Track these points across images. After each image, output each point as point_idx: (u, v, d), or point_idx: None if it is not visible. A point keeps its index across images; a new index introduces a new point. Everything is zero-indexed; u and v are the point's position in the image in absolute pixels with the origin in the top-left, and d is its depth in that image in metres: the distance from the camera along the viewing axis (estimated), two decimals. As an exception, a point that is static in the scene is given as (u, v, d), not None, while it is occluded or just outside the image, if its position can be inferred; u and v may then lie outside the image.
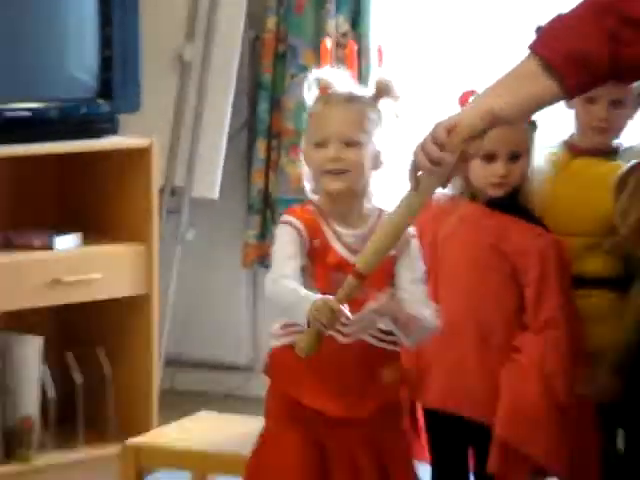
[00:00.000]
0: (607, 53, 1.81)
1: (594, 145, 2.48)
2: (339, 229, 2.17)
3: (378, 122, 2.19)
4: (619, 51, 1.80)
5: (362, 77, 3.20)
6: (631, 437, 2.44)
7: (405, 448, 2.26)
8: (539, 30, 1.97)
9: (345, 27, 3.56)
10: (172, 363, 3.65)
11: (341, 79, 2.24)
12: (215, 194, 3.73)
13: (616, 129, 2.53)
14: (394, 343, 2.21)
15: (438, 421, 2.45)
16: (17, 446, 3.13)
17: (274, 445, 2.17)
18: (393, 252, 2.10)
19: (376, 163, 2.17)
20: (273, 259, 2.11)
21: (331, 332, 2.05)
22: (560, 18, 1.86)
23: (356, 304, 2.05)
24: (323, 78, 2.22)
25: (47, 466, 3.19)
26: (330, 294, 1.98)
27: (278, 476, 2.18)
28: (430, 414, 2.46)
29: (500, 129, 2.05)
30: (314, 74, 2.22)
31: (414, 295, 2.19)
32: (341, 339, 2.16)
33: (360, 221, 2.18)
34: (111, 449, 2.96)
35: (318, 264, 2.15)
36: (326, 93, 2.22)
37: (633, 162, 2.41)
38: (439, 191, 2.09)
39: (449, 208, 2.45)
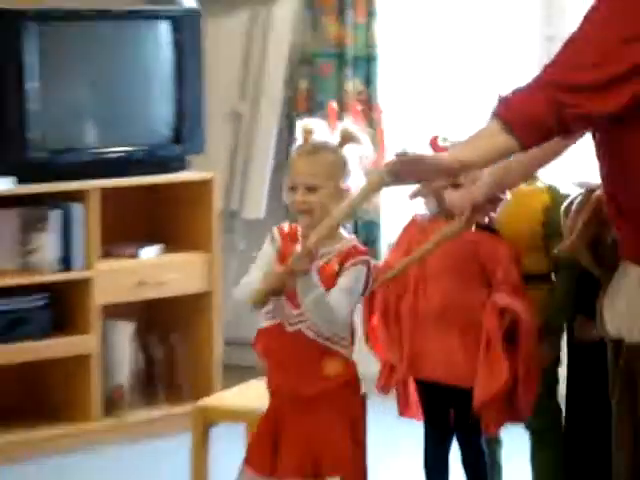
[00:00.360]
0: (553, 115, 2.06)
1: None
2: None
3: (342, 165, 2.54)
4: (563, 113, 2.05)
5: (372, 125, 3.95)
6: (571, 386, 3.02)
7: (337, 429, 2.55)
8: (501, 98, 2.17)
9: (360, 87, 4.17)
10: (230, 343, 4.29)
11: (319, 128, 2.58)
12: (261, 214, 4.45)
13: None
14: (332, 342, 2.55)
15: (430, 389, 2.94)
16: (114, 406, 3.88)
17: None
18: (337, 267, 2.50)
19: (340, 197, 2.49)
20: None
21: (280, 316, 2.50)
22: (517, 90, 2.11)
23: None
24: (306, 127, 2.58)
25: (136, 421, 3.93)
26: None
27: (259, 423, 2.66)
28: (423, 384, 2.96)
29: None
30: (300, 124, 2.59)
31: (332, 292, 2.50)
32: (288, 328, 2.54)
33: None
34: (185, 408, 3.60)
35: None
36: (308, 140, 2.58)
37: (575, 196, 2.88)
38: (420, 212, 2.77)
39: (429, 225, 2.92)
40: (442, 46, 4.55)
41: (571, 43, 2.16)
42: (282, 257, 2.63)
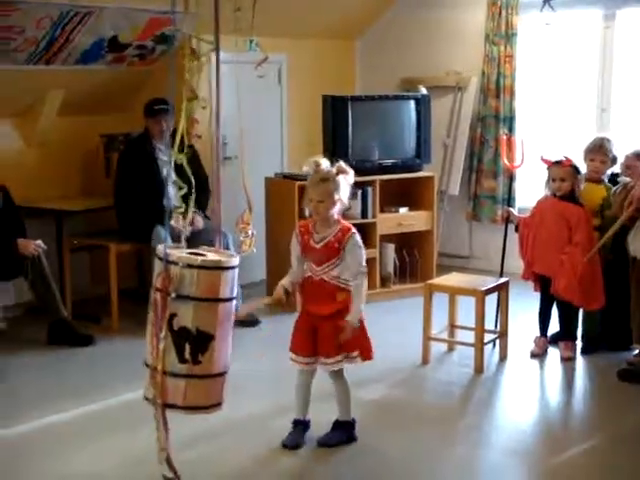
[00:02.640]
0: None
1: (591, 177, 5.11)
2: (316, 233, 3.65)
3: (338, 187, 3.57)
4: None
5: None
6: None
7: (338, 329, 3.66)
8: None
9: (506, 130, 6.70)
10: (443, 255, 7.06)
11: (324, 163, 3.63)
12: (457, 192, 7.16)
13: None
14: (341, 284, 3.68)
15: (541, 278, 5.02)
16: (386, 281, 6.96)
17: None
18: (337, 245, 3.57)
19: (340, 206, 3.59)
20: None
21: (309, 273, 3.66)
22: None
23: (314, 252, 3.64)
24: (316, 161, 3.64)
25: (401, 289, 6.55)
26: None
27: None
28: (539, 276, 5.02)
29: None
30: (310, 159, 3.64)
31: (354, 289, 3.64)
32: (315, 277, 3.70)
33: (326, 229, 3.66)
34: (417, 285, 6.11)
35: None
36: (318, 170, 3.61)
37: (618, 186, 4.81)
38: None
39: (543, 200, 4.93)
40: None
41: None
42: (304, 247, 3.76)
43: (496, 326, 5.29)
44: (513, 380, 4.95)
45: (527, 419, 4.42)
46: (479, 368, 4.97)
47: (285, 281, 3.72)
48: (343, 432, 3.94)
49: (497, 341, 5.23)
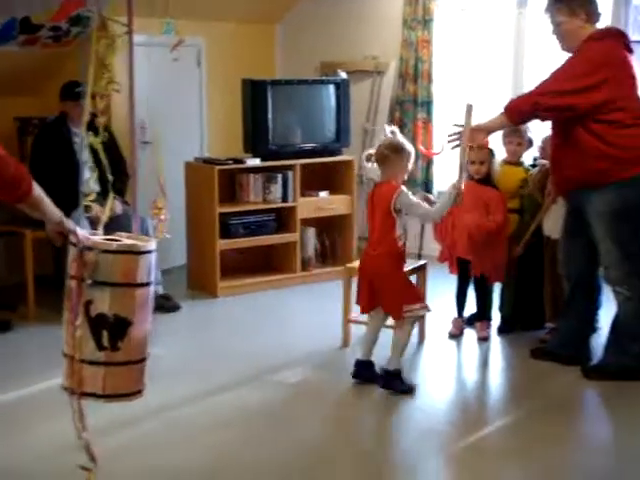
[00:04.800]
0: (531, 109, 4.18)
1: (509, 160, 5.26)
2: None
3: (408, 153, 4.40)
4: (537, 107, 4.17)
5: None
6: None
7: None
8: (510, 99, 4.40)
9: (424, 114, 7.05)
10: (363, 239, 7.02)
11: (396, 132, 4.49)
12: (376, 175, 7.50)
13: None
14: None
15: (458, 260, 5.21)
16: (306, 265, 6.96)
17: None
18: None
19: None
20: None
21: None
22: (519, 95, 4.44)
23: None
24: (393, 130, 4.51)
25: (321, 272, 6.66)
26: None
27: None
28: (457, 258, 5.16)
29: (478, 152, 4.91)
30: (389, 128, 4.52)
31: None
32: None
33: None
34: (337, 268, 6.15)
35: None
36: (394, 137, 4.46)
37: (536, 169, 5.08)
38: None
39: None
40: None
41: (553, 74, 4.30)
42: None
43: (415, 308, 5.33)
44: (431, 360, 5.05)
45: (444, 399, 4.52)
46: (398, 349, 5.01)
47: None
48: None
49: (416, 323, 5.26)
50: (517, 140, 5.19)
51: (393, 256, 4.41)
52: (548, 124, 4.72)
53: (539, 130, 5.35)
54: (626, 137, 4.36)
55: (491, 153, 5.07)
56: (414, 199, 4.32)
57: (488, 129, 4.56)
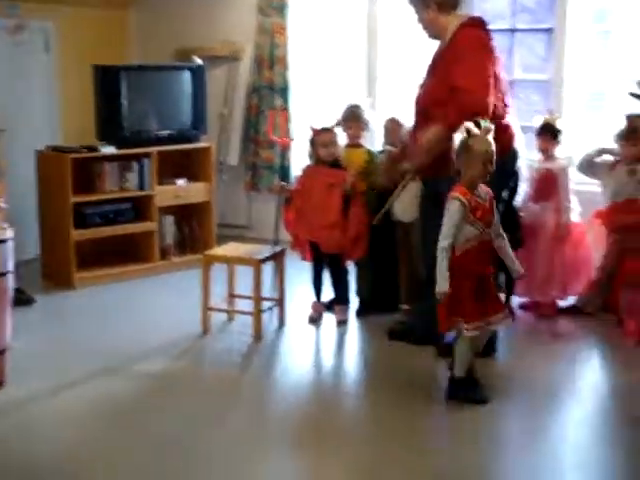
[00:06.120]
0: None
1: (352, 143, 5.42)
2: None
3: None
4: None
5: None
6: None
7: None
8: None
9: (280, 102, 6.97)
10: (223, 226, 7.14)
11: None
12: (235, 162, 7.27)
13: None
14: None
15: (311, 245, 5.30)
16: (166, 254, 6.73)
17: None
18: None
19: None
20: None
21: None
22: None
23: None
24: (487, 127, 4.02)
25: (181, 261, 6.66)
26: None
27: None
28: (310, 243, 5.26)
29: None
30: (484, 123, 3.98)
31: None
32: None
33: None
34: (197, 256, 5.91)
35: None
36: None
37: (383, 156, 5.35)
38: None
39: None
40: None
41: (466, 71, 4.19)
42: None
43: (274, 294, 5.36)
44: (291, 345, 5.10)
45: (304, 383, 4.56)
46: (258, 336, 5.07)
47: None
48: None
49: (275, 308, 5.33)
50: (356, 124, 5.34)
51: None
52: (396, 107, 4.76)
53: (387, 113, 5.55)
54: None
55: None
56: None
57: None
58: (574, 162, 5.46)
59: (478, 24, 4.57)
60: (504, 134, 4.41)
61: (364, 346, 5.18)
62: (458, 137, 3.95)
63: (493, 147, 3.92)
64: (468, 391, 4.14)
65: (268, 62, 7.14)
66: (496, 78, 4.40)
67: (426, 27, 4.68)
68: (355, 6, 7.07)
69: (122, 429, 3.93)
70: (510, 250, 4.14)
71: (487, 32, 4.55)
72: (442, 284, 3.93)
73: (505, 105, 4.53)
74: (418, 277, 5.02)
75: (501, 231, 4.11)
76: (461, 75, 4.21)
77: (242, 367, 4.76)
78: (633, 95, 2.57)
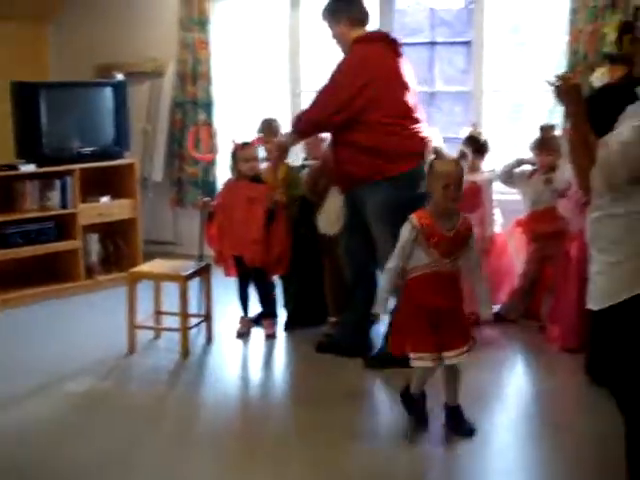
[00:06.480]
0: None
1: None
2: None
3: None
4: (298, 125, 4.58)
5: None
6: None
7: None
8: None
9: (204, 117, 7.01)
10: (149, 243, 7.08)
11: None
12: (160, 179, 7.23)
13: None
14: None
15: (236, 259, 5.30)
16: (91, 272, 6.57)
17: None
18: None
19: None
20: None
21: None
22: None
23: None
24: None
25: (107, 279, 6.50)
26: None
27: None
28: (234, 258, 5.37)
29: None
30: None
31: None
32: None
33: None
34: (123, 274, 5.59)
35: None
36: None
37: (306, 170, 5.51)
38: None
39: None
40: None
41: (322, 91, 4.49)
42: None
43: (201, 310, 5.35)
44: (219, 361, 5.08)
45: (232, 398, 4.54)
46: (185, 352, 5.04)
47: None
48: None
49: (203, 324, 5.30)
50: (272, 139, 5.37)
51: None
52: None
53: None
54: (391, 135, 4.51)
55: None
56: None
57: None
58: (497, 174, 5.55)
59: (370, 39, 4.63)
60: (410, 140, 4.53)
61: (292, 359, 5.19)
62: (429, 159, 3.87)
63: (459, 170, 3.71)
64: (410, 410, 4.04)
65: (191, 77, 7.12)
66: (385, 89, 4.49)
67: (339, 42, 4.75)
68: (277, 21, 7.11)
69: (48, 450, 3.86)
70: (484, 292, 4.02)
71: (383, 47, 4.62)
72: (377, 304, 3.91)
73: (407, 114, 4.58)
74: (344, 289, 5.03)
75: (477, 269, 3.93)
76: (320, 91, 4.54)
77: (169, 384, 4.73)
78: (549, 83, 2.70)
